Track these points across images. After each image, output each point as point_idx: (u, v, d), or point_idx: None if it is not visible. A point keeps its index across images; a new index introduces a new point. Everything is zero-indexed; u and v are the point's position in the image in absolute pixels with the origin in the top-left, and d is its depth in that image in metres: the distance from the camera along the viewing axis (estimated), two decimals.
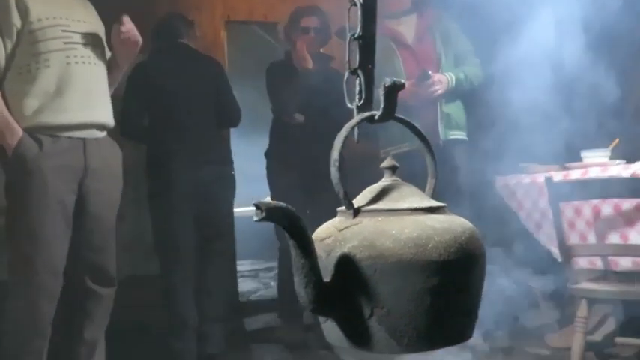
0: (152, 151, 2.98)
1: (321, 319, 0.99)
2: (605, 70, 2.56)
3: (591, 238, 2.47)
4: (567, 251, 2.25)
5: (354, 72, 1.05)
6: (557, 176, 2.64)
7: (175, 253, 2.87)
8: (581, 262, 2.41)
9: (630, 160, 2.68)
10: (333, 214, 3.61)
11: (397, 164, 1.08)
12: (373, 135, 3.21)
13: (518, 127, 2.90)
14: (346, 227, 0.97)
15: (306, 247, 0.89)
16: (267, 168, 3.32)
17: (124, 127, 2.86)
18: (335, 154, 0.99)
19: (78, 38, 2.18)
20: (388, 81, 1.00)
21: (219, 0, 4.03)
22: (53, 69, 2.10)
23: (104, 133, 2.29)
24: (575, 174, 2.56)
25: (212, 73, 3.07)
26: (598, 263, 2.46)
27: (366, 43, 1.05)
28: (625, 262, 2.36)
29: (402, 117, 1.08)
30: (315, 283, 0.89)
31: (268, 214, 0.84)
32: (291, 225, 0.88)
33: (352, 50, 1.04)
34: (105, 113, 2.27)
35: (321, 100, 3.09)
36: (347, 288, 0.92)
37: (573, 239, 2.41)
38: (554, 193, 2.22)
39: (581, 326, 2.24)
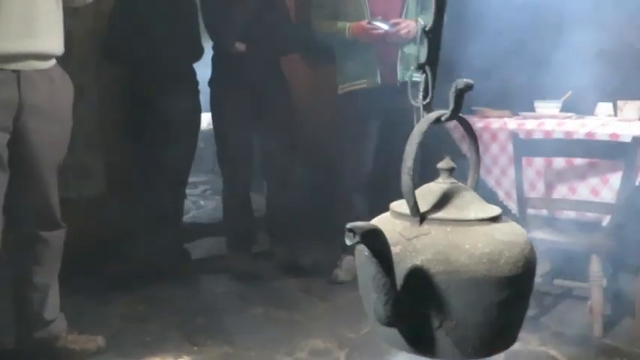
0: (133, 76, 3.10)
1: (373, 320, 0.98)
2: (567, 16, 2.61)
3: (540, 187, 2.61)
4: (524, 203, 2.38)
5: (420, 67, 1.00)
6: (512, 123, 2.73)
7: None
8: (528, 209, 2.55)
9: (579, 112, 2.83)
10: (280, 143, 3.55)
11: (454, 165, 1.06)
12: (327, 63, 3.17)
13: (473, 70, 2.95)
14: (415, 237, 0.95)
15: (389, 267, 0.87)
16: (211, 97, 3.14)
17: (106, 50, 3.05)
18: (409, 162, 0.95)
19: None
20: (460, 83, 0.96)
21: None
22: None
23: (49, 64, 2.00)
24: (530, 124, 2.65)
25: (187, 9, 3.15)
26: (543, 210, 2.63)
27: (436, 38, 0.99)
28: (569, 212, 2.53)
29: (463, 117, 1.05)
30: (394, 300, 0.88)
31: (363, 238, 0.81)
32: (380, 247, 0.85)
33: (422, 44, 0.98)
34: (49, 41, 1.95)
35: (263, 26, 2.97)
36: (418, 300, 0.92)
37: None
38: (519, 148, 2.30)
39: None
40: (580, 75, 2.77)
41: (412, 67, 2.78)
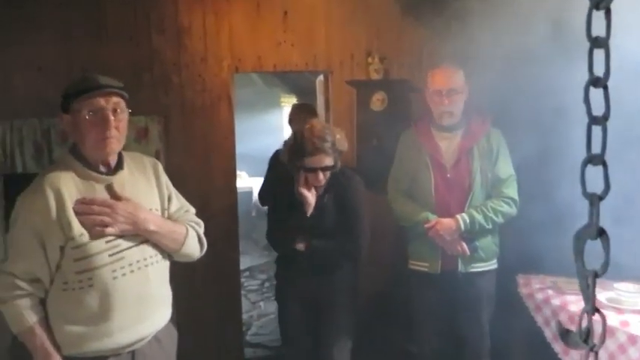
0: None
1: None
2: None
3: None
4: None
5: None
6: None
7: None
8: None
9: None
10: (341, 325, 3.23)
11: None
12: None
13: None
14: None
15: None
16: (276, 276, 3.09)
17: (261, 197, 3.94)
18: None
19: (127, 242, 1.92)
20: None
21: (227, 49, 3.71)
22: (97, 287, 1.85)
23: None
24: (612, 319, 2.58)
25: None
26: None
27: None
28: None
29: None
30: None
31: None
32: None
33: None
34: (161, 317, 2.05)
35: (326, 228, 2.81)
36: None
37: None
38: None
39: None
40: None
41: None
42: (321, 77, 4.34)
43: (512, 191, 2.87)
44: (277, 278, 3.07)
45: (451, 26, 3.84)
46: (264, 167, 4.13)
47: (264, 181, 3.83)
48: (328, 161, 2.70)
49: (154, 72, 3.62)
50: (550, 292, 2.90)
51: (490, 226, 2.83)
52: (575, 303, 2.76)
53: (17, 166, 3.43)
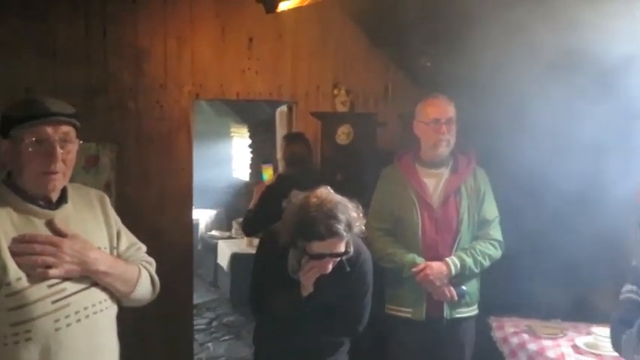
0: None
1: None
2: None
3: None
4: None
5: None
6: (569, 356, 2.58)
7: None
8: None
9: None
10: None
11: None
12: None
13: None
14: None
15: None
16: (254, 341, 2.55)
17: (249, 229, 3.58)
18: None
19: (74, 286, 1.65)
20: None
21: (188, 75, 3.51)
22: (36, 341, 1.56)
23: None
24: None
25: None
26: None
27: None
28: None
29: None
30: None
31: None
32: None
33: None
34: None
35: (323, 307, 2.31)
36: None
37: None
38: None
39: None
40: None
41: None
42: (282, 108, 4.20)
43: (498, 233, 2.77)
44: (256, 343, 2.52)
45: (420, 60, 3.80)
46: (212, 199, 3.82)
47: (259, 212, 3.29)
48: (341, 247, 2.08)
49: (108, 96, 3.38)
50: (525, 336, 2.80)
51: (478, 270, 2.72)
52: (553, 348, 2.67)
53: None
